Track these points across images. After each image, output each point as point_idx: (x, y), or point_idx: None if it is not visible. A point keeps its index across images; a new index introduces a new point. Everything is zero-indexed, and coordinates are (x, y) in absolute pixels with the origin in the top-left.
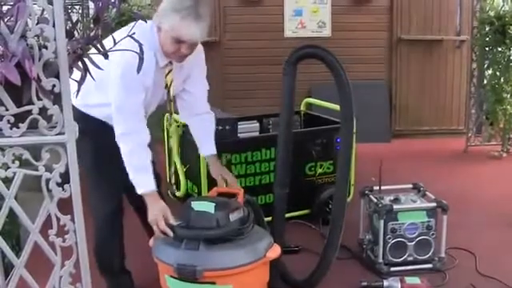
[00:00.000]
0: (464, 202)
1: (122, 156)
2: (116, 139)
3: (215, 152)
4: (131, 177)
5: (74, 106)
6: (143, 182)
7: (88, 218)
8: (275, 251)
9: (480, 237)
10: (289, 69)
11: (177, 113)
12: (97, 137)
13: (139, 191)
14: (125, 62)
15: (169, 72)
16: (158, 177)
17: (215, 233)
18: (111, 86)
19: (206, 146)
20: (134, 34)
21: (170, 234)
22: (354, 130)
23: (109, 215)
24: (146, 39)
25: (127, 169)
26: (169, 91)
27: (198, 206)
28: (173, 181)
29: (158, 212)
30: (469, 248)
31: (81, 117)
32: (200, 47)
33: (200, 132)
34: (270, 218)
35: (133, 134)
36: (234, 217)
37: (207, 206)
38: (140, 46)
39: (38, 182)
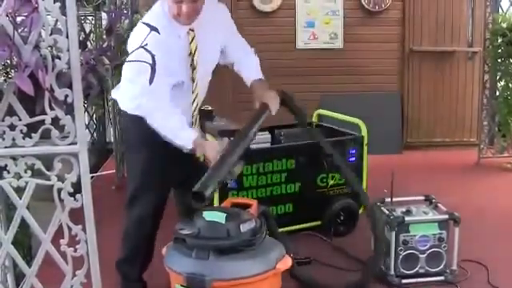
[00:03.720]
0: (476, 214)
1: (156, 126)
2: (139, 111)
3: (259, 77)
4: (174, 140)
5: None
6: (186, 136)
7: (100, 228)
8: (286, 263)
9: (492, 249)
10: None
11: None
12: (153, 150)
13: (188, 146)
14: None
15: (192, 40)
16: None
17: (225, 243)
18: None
19: (250, 73)
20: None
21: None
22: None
23: (137, 218)
24: (159, 17)
25: (166, 134)
26: (193, 60)
27: (209, 215)
28: None
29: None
30: (481, 260)
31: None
32: (221, 5)
33: (243, 66)
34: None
35: (154, 95)
36: (244, 227)
37: (218, 216)
38: (153, 56)
39: (49, 191)
